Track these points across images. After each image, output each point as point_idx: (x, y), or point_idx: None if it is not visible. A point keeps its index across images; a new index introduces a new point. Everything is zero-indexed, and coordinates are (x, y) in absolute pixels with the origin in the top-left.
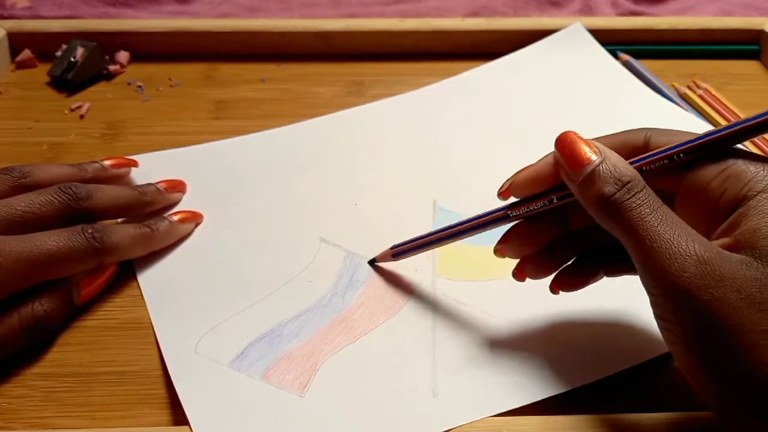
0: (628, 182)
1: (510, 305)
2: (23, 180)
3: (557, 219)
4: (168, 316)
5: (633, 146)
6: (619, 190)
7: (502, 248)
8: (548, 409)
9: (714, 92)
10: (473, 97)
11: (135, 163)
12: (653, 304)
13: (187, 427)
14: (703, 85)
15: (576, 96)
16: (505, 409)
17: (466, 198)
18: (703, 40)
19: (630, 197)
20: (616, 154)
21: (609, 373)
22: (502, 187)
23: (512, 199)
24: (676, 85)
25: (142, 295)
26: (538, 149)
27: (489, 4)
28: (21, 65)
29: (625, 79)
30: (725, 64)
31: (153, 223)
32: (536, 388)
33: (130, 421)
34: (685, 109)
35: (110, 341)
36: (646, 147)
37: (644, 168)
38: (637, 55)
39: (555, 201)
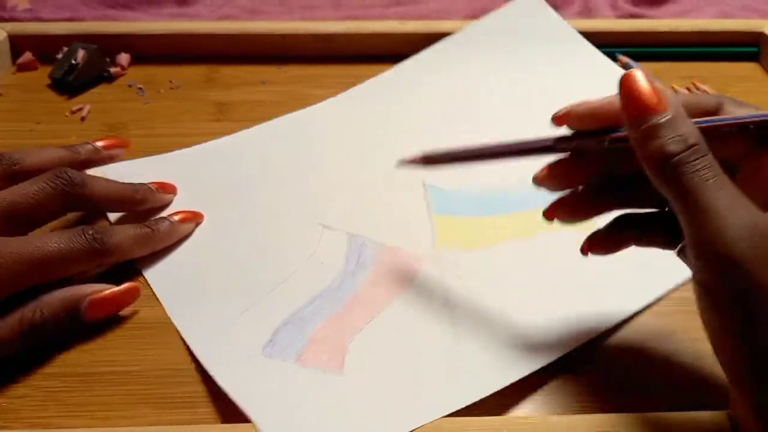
0: (694, 144)
1: (517, 273)
2: (14, 167)
3: (604, 158)
4: (187, 314)
5: (705, 110)
6: (684, 151)
7: (543, 176)
8: (548, 409)
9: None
10: (436, 77)
11: (127, 144)
12: (696, 270)
13: (186, 426)
14: (702, 87)
15: (535, 66)
16: (528, 372)
17: (452, 175)
18: (702, 42)
19: (694, 160)
20: (684, 112)
21: (615, 323)
22: (558, 112)
23: (562, 131)
24: (676, 87)
25: (145, 295)
26: (511, 123)
27: (489, 6)
28: (22, 67)
29: (580, 45)
30: (724, 67)
31: (153, 223)
32: (547, 350)
33: (131, 421)
34: None
35: (111, 341)
36: (716, 113)
37: (710, 131)
38: (637, 57)
39: (606, 144)
